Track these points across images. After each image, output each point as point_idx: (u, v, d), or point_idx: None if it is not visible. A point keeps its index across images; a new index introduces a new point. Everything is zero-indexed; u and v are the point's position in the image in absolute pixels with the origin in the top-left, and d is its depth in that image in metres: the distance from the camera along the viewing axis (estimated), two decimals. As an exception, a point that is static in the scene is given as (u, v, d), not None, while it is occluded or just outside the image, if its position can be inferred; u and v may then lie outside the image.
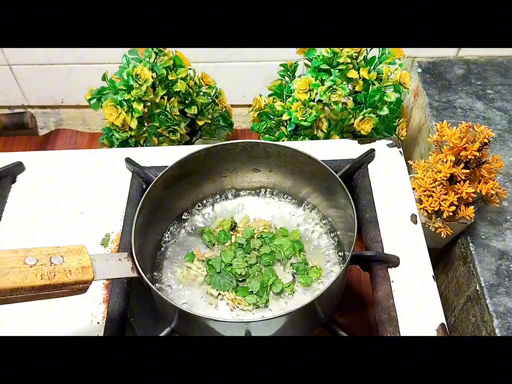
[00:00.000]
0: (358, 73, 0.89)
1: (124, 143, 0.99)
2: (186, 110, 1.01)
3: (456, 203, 0.78)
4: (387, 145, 0.86)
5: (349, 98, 0.93)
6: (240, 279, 0.71)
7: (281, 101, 0.99)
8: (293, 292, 0.70)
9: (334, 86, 0.87)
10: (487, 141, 0.74)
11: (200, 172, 0.77)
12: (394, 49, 0.92)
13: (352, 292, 0.98)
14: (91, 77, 1.08)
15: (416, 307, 0.67)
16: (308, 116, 0.90)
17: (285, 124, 0.97)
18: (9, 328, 0.67)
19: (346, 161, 0.82)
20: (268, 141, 0.79)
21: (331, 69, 0.89)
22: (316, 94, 0.89)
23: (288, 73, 1.00)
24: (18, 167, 0.83)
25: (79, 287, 0.54)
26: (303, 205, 0.80)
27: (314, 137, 0.96)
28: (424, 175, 0.81)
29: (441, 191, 0.79)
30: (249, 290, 0.69)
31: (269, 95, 1.01)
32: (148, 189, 0.69)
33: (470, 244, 0.80)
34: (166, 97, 0.97)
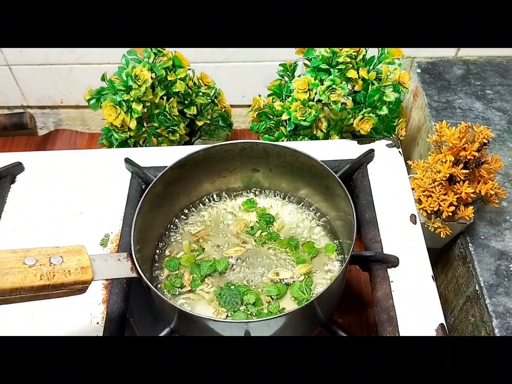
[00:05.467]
0: (358, 72, 0.89)
1: (123, 144, 0.99)
2: (185, 110, 1.01)
3: (456, 203, 0.78)
4: (387, 145, 0.86)
5: (348, 98, 0.93)
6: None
7: (280, 101, 0.99)
8: None
9: (333, 86, 0.87)
10: (486, 141, 0.74)
11: (200, 173, 0.77)
12: (393, 49, 0.92)
13: (351, 292, 0.98)
14: (90, 77, 1.08)
15: (416, 307, 0.67)
16: (307, 116, 0.90)
17: (285, 124, 0.97)
18: (8, 328, 0.67)
19: (346, 161, 0.82)
20: (267, 141, 0.80)
21: (330, 69, 0.89)
22: (316, 93, 0.89)
23: (288, 73, 1.00)
24: (17, 167, 0.83)
25: (79, 287, 0.54)
26: (302, 205, 0.80)
27: (313, 137, 0.96)
28: (424, 175, 0.81)
29: (440, 191, 0.79)
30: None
31: (269, 95, 1.01)
32: (147, 189, 0.69)
33: (470, 244, 0.81)
34: (165, 98, 0.97)
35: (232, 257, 0.74)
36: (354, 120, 0.92)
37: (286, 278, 0.71)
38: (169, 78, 0.94)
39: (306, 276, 0.71)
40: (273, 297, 0.69)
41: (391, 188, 0.80)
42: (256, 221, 0.78)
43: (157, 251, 0.75)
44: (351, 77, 0.90)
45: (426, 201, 0.80)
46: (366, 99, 0.91)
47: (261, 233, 0.76)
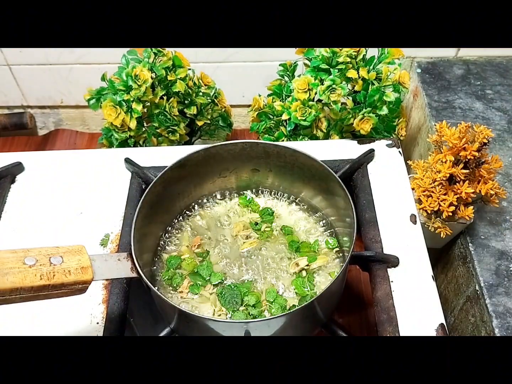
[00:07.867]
0: (358, 72, 0.89)
1: (123, 143, 0.99)
2: (185, 110, 1.01)
3: (456, 203, 0.78)
4: (387, 145, 0.86)
5: (348, 98, 0.93)
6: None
7: (280, 101, 0.99)
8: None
9: (333, 86, 0.87)
10: (487, 141, 0.74)
11: (200, 172, 0.77)
12: (393, 49, 0.92)
13: (351, 292, 0.98)
14: (91, 77, 1.08)
15: (416, 307, 0.67)
16: (307, 115, 0.90)
17: (285, 124, 0.97)
18: (8, 328, 0.67)
19: (346, 161, 0.82)
20: (267, 141, 0.80)
21: (331, 69, 0.89)
22: (316, 93, 0.89)
23: (288, 72, 1.00)
24: (17, 167, 0.83)
25: (79, 287, 0.54)
26: (302, 205, 0.80)
27: (313, 137, 0.96)
28: (424, 175, 0.81)
29: (440, 191, 0.79)
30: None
31: (269, 95, 1.01)
32: (147, 189, 0.69)
33: (470, 244, 0.81)
34: (165, 98, 0.97)
35: (243, 252, 0.74)
36: (354, 120, 0.92)
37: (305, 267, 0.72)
38: (169, 78, 0.94)
39: (309, 273, 0.71)
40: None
41: (391, 188, 0.80)
42: (258, 213, 0.78)
43: (157, 251, 0.75)
44: (351, 77, 0.90)
45: (426, 201, 0.80)
46: (366, 99, 0.91)
47: (266, 227, 0.76)
